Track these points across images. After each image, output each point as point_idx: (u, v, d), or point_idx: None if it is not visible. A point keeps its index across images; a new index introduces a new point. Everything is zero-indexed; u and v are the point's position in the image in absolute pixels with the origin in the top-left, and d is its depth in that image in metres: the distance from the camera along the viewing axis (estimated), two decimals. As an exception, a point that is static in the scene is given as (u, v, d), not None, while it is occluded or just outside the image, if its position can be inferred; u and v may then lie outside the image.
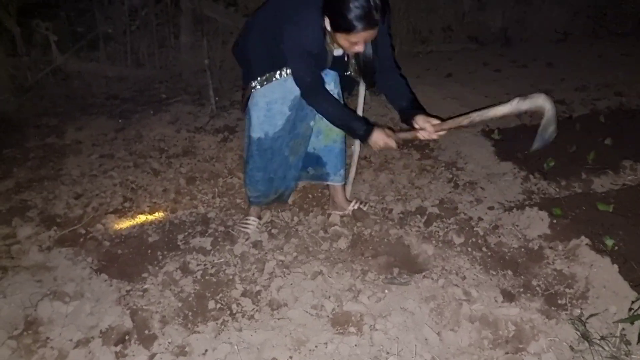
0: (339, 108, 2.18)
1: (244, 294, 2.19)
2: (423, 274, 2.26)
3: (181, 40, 5.30)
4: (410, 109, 2.17)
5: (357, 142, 2.72)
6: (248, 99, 2.34)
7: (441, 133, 2.09)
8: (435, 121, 2.07)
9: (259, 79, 2.23)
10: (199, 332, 1.98)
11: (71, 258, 2.47)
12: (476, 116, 1.97)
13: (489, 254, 2.41)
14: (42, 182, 3.23)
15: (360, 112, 2.62)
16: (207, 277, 2.30)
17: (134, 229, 2.71)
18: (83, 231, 2.70)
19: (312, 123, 2.42)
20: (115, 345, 1.94)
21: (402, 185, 3.06)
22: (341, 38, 1.89)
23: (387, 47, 2.18)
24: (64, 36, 4.88)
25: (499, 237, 2.52)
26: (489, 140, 3.60)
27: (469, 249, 2.44)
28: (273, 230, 2.63)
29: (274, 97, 2.25)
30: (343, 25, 1.83)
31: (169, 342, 1.94)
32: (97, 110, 4.46)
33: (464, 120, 2.00)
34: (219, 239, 2.59)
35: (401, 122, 2.30)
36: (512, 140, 3.54)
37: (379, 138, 2.13)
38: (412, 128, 2.14)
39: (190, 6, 5.12)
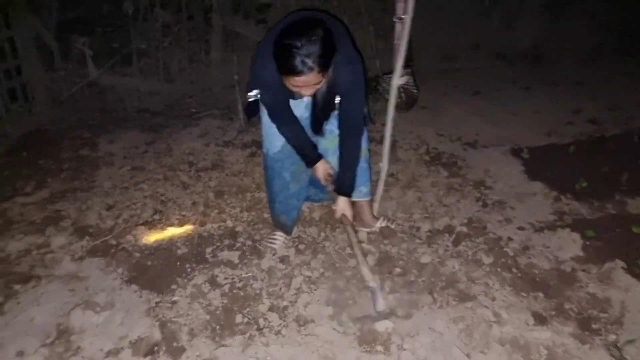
0: (295, 131, 2.28)
1: (271, 309, 2.20)
2: (452, 294, 2.24)
3: (211, 56, 5.39)
4: (341, 183, 2.39)
5: (385, 160, 2.72)
6: (246, 109, 2.42)
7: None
8: (346, 212, 2.45)
9: (253, 92, 2.30)
10: (226, 346, 1.99)
11: (102, 268, 2.52)
12: (354, 249, 2.33)
13: (519, 275, 2.37)
14: (75, 193, 3.31)
15: (389, 125, 2.62)
16: (234, 291, 2.32)
17: (164, 241, 2.75)
18: (114, 242, 2.76)
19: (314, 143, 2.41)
20: (145, 356, 1.97)
21: (430, 203, 3.04)
22: (285, 80, 1.91)
23: (353, 107, 2.20)
24: (99, 51, 5.01)
25: (530, 258, 2.48)
26: (518, 158, 3.56)
27: (499, 270, 2.40)
28: (300, 246, 2.64)
29: None
30: (281, 69, 1.87)
31: (197, 355, 1.96)
32: (129, 123, 4.56)
33: (350, 238, 2.38)
34: (247, 253, 2.61)
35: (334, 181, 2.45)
36: (541, 159, 3.50)
37: (317, 169, 2.40)
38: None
39: (221, 23, 5.22)
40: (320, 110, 2.23)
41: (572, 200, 2.97)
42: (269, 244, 2.61)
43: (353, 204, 2.69)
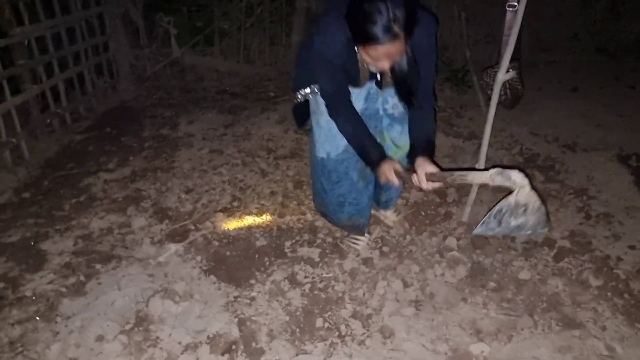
0: (357, 128, 1.98)
1: (353, 316, 2.07)
2: (555, 317, 2.01)
3: (292, 39, 5.27)
4: (419, 148, 1.94)
5: (481, 160, 2.51)
6: (295, 111, 2.28)
7: (430, 187, 1.82)
8: (431, 169, 1.81)
9: (300, 92, 2.13)
10: (307, 353, 1.88)
11: (181, 255, 2.48)
12: (457, 176, 1.75)
13: (633, 302, 2.11)
14: (155, 173, 3.31)
15: (489, 123, 2.40)
16: (315, 292, 2.21)
17: (242, 230, 2.68)
18: (192, 227, 2.71)
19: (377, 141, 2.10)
20: (222, 354, 1.89)
21: (525, 210, 2.79)
22: (362, 51, 1.69)
23: (429, 72, 1.93)
24: (183, 30, 5.02)
25: (645, 283, 2.21)
26: (625, 166, 3.22)
27: (609, 294, 2.15)
28: (384, 248, 2.49)
29: None
30: (361, 37, 1.62)
31: (276, 359, 1.86)
32: (208, 104, 4.55)
33: (448, 178, 1.78)
34: (327, 251, 2.49)
35: (407, 157, 2.08)
36: (654, 169, 3.15)
37: (383, 171, 1.93)
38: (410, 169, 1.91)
39: (305, 5, 5.07)
40: (400, 81, 1.87)
41: (692, 219, 2.63)
42: (352, 244, 2.47)
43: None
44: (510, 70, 2.42)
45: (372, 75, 1.97)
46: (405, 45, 1.64)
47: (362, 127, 1.99)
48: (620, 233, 2.57)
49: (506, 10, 2.43)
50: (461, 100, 4.40)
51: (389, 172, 1.90)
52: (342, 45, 1.74)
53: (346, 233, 2.56)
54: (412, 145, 2.03)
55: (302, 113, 2.24)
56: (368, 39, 1.59)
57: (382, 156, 1.96)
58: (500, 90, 2.48)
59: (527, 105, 4.19)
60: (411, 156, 1.96)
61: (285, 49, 5.37)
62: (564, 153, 3.42)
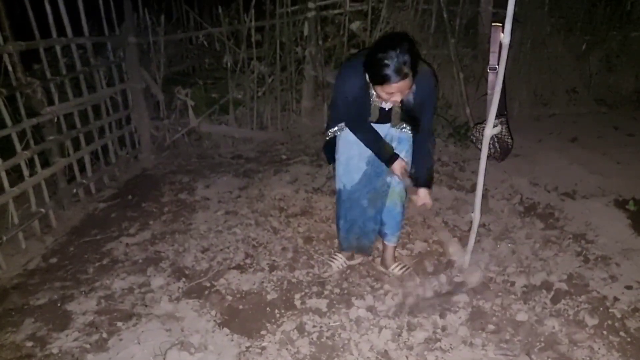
0: (372, 137, 2.48)
1: (359, 361, 2.18)
2: (552, 356, 2.09)
3: (302, 105, 5.60)
4: (421, 178, 2.53)
5: (476, 210, 2.65)
6: (324, 148, 2.79)
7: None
8: (426, 200, 2.53)
9: (331, 130, 2.65)
10: (314, 397, 1.99)
11: (197, 310, 2.63)
12: None
13: (629, 339, 2.18)
14: (174, 235, 3.51)
15: (481, 175, 2.58)
16: (322, 340, 2.32)
17: (254, 285, 2.82)
18: (208, 284, 2.87)
19: (388, 179, 2.64)
20: (234, 401, 2.00)
21: (525, 257, 2.90)
22: (378, 89, 2.16)
23: (428, 112, 2.42)
24: (200, 101, 5.37)
25: (640, 321, 2.28)
26: (623, 211, 3.33)
27: (604, 332, 2.23)
28: (388, 296, 2.61)
29: (352, 154, 2.58)
30: (378, 80, 2.11)
31: (285, 404, 1.97)
32: (223, 169, 4.80)
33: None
34: (335, 302, 2.61)
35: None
36: (651, 213, 3.25)
37: (394, 168, 2.48)
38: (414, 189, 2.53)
39: (312, 73, 5.43)
40: (408, 112, 2.40)
41: (688, 259, 2.71)
42: (329, 261, 2.93)
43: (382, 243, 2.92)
44: (497, 125, 2.61)
45: (381, 113, 2.43)
46: (412, 82, 2.14)
47: (376, 136, 2.49)
48: (618, 274, 2.66)
49: (488, 71, 2.67)
50: (464, 155, 4.59)
51: (398, 169, 2.47)
52: (357, 88, 2.30)
53: (332, 250, 2.94)
54: (415, 172, 2.56)
55: (331, 151, 2.72)
56: (384, 80, 2.09)
57: (394, 156, 2.48)
58: (490, 144, 2.67)
59: (528, 157, 4.37)
60: (416, 184, 2.53)
61: (295, 114, 5.69)
62: (563, 201, 3.55)
